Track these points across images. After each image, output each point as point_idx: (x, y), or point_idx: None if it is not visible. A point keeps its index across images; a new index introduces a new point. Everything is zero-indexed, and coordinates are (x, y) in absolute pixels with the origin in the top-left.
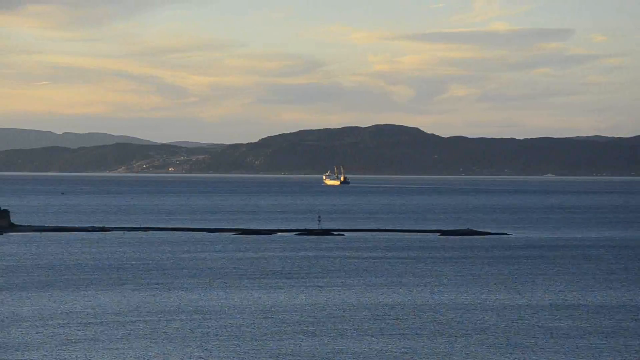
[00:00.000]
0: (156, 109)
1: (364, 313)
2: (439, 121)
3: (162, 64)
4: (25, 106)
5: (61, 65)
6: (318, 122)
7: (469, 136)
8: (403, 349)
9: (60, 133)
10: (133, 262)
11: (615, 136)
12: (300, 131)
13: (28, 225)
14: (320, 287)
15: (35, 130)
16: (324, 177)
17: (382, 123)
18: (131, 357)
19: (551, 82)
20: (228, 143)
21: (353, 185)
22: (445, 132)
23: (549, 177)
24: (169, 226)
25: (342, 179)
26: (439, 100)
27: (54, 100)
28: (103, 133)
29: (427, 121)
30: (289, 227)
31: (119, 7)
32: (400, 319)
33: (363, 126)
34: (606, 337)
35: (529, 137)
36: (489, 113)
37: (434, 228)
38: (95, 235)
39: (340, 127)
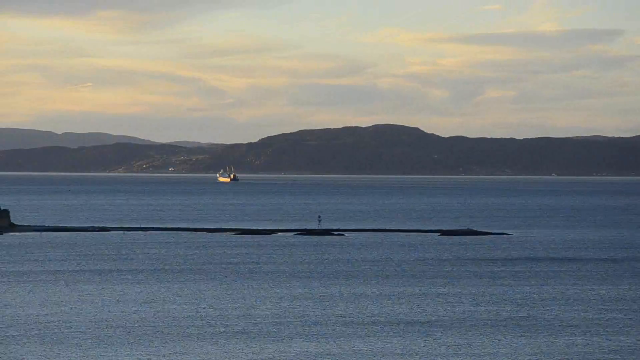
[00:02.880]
0: (192, 109)
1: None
2: (466, 122)
3: (209, 67)
4: (65, 107)
5: (108, 68)
6: (346, 122)
7: (469, 136)
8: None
9: (60, 133)
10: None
11: (615, 136)
12: (300, 131)
13: (28, 225)
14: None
15: (35, 130)
16: (218, 175)
17: (386, 123)
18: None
19: (587, 84)
20: (228, 143)
21: (241, 182)
22: (469, 133)
23: (553, 177)
24: (169, 226)
25: (232, 176)
26: (473, 102)
27: (93, 101)
28: (103, 133)
29: (453, 122)
30: (288, 227)
31: (185, 11)
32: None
33: (363, 126)
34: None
35: (528, 137)
36: (517, 115)
37: (435, 228)
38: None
39: (340, 127)
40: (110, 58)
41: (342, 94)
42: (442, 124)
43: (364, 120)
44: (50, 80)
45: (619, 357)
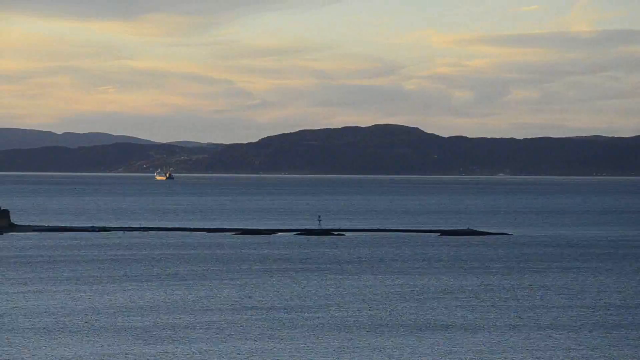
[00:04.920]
0: (214, 111)
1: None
2: (484, 123)
3: (240, 68)
4: (89, 108)
5: (142, 70)
6: (368, 122)
7: (469, 136)
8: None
9: (60, 133)
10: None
11: (615, 136)
12: (300, 131)
13: (28, 225)
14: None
15: (35, 130)
16: (155, 174)
17: (386, 123)
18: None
19: (613, 85)
20: (228, 143)
21: (176, 180)
22: (483, 134)
23: (501, 176)
24: (169, 226)
25: (167, 175)
26: (495, 104)
27: (118, 103)
28: (103, 133)
29: (470, 123)
30: (289, 227)
31: (232, 13)
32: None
33: (363, 126)
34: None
35: (529, 137)
36: (535, 116)
37: (434, 228)
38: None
39: (341, 127)
40: (147, 60)
41: (367, 95)
42: (463, 125)
43: (387, 120)
44: (80, 83)
45: (621, 356)
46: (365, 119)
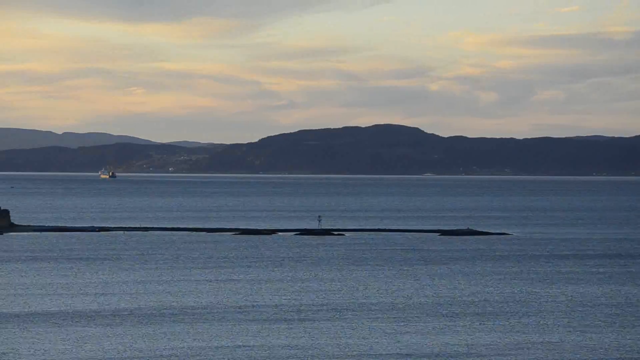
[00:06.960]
0: (239, 112)
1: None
2: (503, 123)
3: (271, 70)
4: (115, 110)
5: (173, 71)
6: (383, 123)
7: (469, 136)
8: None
9: (60, 133)
10: None
11: (615, 136)
12: (300, 131)
13: (28, 225)
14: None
15: (35, 130)
16: (99, 173)
17: (386, 123)
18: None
19: (637, 87)
20: (228, 143)
21: (118, 179)
22: (501, 134)
23: (428, 175)
24: (169, 226)
25: (110, 174)
26: (517, 105)
27: (145, 104)
28: (103, 133)
29: (491, 123)
30: (289, 227)
31: (273, 15)
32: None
33: (363, 126)
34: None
35: (529, 137)
36: (555, 117)
37: (434, 228)
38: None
39: (341, 127)
40: (181, 62)
41: (392, 97)
42: (484, 126)
43: (409, 121)
44: (110, 85)
45: (620, 355)
46: (382, 119)
